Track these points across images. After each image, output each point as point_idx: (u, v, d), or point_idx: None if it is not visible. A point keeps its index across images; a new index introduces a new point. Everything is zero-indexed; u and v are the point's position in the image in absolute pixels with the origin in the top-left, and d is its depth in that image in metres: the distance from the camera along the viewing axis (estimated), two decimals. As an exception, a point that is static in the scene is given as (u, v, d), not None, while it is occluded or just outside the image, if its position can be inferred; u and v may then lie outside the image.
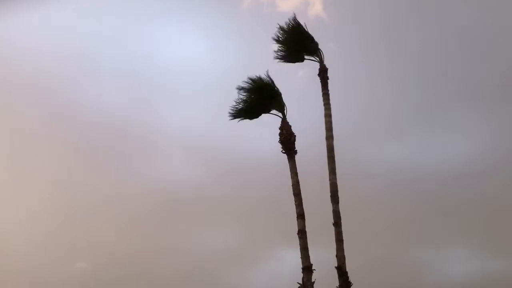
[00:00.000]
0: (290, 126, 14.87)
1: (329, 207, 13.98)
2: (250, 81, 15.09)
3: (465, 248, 22.72)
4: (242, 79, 15.34)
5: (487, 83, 24.06)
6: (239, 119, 15.28)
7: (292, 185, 14.20)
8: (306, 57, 15.64)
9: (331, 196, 13.93)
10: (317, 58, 15.33)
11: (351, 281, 13.35)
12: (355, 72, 22.55)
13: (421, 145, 23.81)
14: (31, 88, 23.39)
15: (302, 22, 15.33)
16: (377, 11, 24.77)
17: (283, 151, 14.62)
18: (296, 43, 15.36)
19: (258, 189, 20.81)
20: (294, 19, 15.25)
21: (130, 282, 20.43)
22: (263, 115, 15.32)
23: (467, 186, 22.58)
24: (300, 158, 14.59)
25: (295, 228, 13.96)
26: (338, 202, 13.90)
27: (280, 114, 15.10)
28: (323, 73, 15.14)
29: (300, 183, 14.25)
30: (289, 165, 14.41)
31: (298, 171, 14.42)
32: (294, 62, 15.78)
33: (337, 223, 13.71)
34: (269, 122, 15.51)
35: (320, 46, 15.34)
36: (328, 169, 14.18)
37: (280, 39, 15.51)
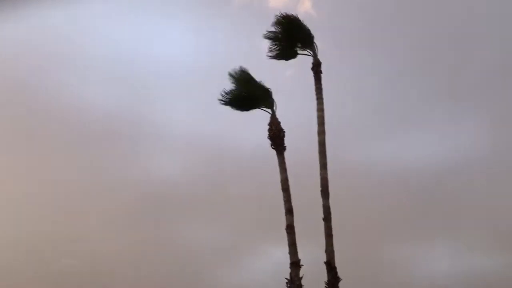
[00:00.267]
0: (279, 123, 14.83)
1: (320, 202, 13.97)
2: (239, 75, 14.95)
3: (452, 244, 22.87)
4: (228, 72, 15.28)
5: (472, 82, 24.21)
6: (229, 107, 15.17)
7: (281, 181, 14.16)
8: (299, 51, 15.50)
9: (321, 191, 13.87)
10: (311, 52, 15.21)
11: (340, 276, 13.32)
12: (343, 69, 22.50)
13: (409, 142, 23.87)
14: (15, 86, 23.10)
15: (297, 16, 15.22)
16: (366, 8, 24.72)
17: (272, 146, 14.58)
18: (291, 36, 15.19)
19: (246, 186, 20.77)
20: (290, 13, 15.12)
21: (116, 279, 20.33)
22: (252, 110, 15.23)
23: (453, 183, 22.72)
24: (290, 153, 14.59)
25: (283, 223, 13.94)
26: (328, 197, 13.85)
27: (269, 110, 15.04)
28: (316, 67, 15.03)
29: (291, 178, 14.26)
30: (278, 161, 14.38)
31: (288, 166, 14.41)
32: (287, 59, 15.61)
33: (327, 218, 13.67)
34: (257, 118, 15.47)
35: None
36: (319, 164, 14.13)
37: (273, 34, 15.32)
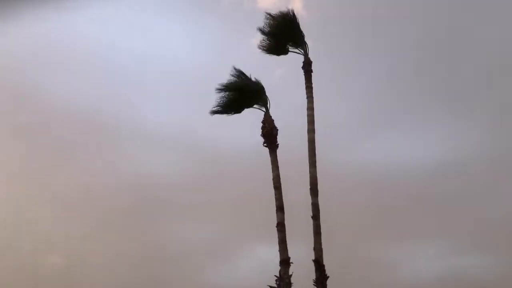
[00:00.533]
0: (273, 120, 14.83)
1: (309, 200, 14.01)
2: (233, 76, 14.94)
3: (441, 245, 23.05)
4: (221, 74, 15.27)
5: (466, 82, 24.44)
6: (222, 114, 15.17)
7: (273, 178, 14.17)
8: (290, 49, 15.54)
9: (310, 189, 13.93)
10: (302, 51, 15.27)
11: (328, 274, 13.37)
12: (333, 69, 22.62)
13: (399, 142, 24.08)
14: (9, 86, 22.91)
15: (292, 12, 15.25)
16: (357, 8, 24.86)
17: (265, 144, 14.59)
18: (283, 33, 15.23)
19: (236, 183, 20.77)
20: (286, 10, 15.16)
21: (104, 277, 20.21)
22: (246, 109, 15.22)
23: (443, 184, 22.91)
24: (281, 152, 14.60)
25: (273, 221, 13.98)
26: (317, 195, 13.90)
27: (263, 108, 15.04)
28: (307, 66, 15.10)
29: (282, 177, 14.22)
30: (271, 159, 14.38)
31: (279, 164, 14.36)
32: (278, 54, 15.62)
33: (316, 216, 13.72)
34: (249, 116, 15.47)
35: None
36: (309, 162, 14.19)
37: (266, 29, 15.37)
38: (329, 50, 22.43)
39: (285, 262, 13.32)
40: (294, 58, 15.53)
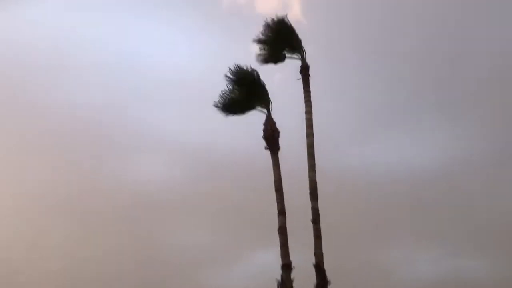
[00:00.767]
0: (275, 123, 14.77)
1: (308, 204, 13.97)
2: (238, 73, 14.94)
3: (440, 247, 23.08)
4: (220, 80, 15.29)
5: (460, 88, 24.63)
6: (225, 114, 15.11)
7: (274, 182, 14.08)
8: (288, 55, 15.59)
9: (310, 193, 13.89)
10: (299, 56, 15.31)
11: (329, 279, 13.30)
12: (331, 75, 22.74)
13: (396, 146, 24.20)
14: (12, 87, 22.94)
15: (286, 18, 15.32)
16: (356, 14, 25.07)
17: (267, 147, 14.51)
18: (279, 40, 15.29)
19: (235, 187, 20.74)
20: (279, 16, 15.23)
21: (101, 282, 20.08)
22: (248, 112, 15.18)
23: (441, 187, 23.01)
24: (281, 155, 14.53)
25: (274, 225, 13.93)
26: (317, 199, 13.86)
27: (265, 110, 14.99)
28: (305, 71, 15.13)
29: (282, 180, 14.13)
30: (272, 162, 14.29)
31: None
32: (275, 62, 15.67)
33: (316, 220, 13.67)
34: (249, 119, 15.44)
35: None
36: (308, 166, 14.15)
37: (262, 39, 15.42)
38: (328, 55, 22.57)
39: (286, 266, 13.23)
40: (294, 62, 15.60)
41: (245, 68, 15.09)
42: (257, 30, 15.45)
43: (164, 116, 23.77)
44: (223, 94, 15.03)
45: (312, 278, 13.26)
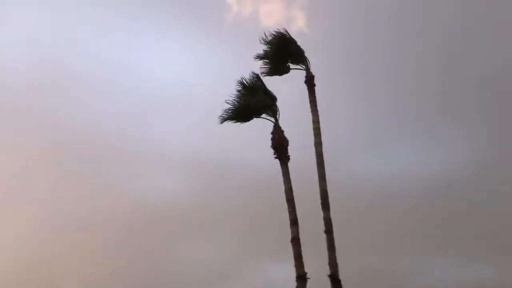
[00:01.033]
0: (283, 131, 14.69)
1: (320, 214, 13.86)
2: (245, 81, 14.99)
3: (454, 256, 22.82)
4: (227, 93, 15.35)
5: (462, 95, 24.62)
6: (230, 121, 15.09)
7: (285, 191, 13.97)
8: (292, 66, 15.64)
9: (321, 203, 13.78)
10: (303, 66, 15.33)
11: (345, 289, 13.13)
12: (335, 85, 22.79)
13: (406, 157, 24.09)
14: (19, 99, 23.13)
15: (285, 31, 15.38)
16: (359, 26, 25.21)
17: (276, 156, 14.41)
18: (281, 52, 15.34)
19: (247, 199, 20.66)
20: (279, 29, 15.30)
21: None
22: (254, 120, 15.13)
23: (453, 195, 22.83)
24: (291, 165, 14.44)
25: (286, 236, 13.81)
26: (329, 209, 13.74)
27: (272, 119, 14.94)
28: (310, 81, 15.14)
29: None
30: (282, 171, 14.17)
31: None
32: (280, 74, 15.71)
33: (329, 230, 13.54)
34: (256, 133, 15.43)
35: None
36: (318, 175, 14.06)
37: (264, 54, 15.49)
38: (333, 66, 22.65)
39: (301, 277, 13.07)
40: (300, 74, 15.63)
41: (252, 76, 15.10)
42: (261, 45, 15.56)
43: (171, 129, 23.89)
44: (229, 101, 15.03)
45: (329, 289, 13.07)
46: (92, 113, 24.06)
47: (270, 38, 15.30)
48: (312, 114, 14.88)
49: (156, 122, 24.31)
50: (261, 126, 15.02)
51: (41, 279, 20.55)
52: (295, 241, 13.48)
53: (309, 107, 15.03)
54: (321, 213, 13.82)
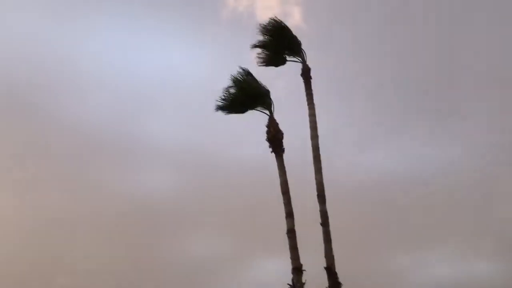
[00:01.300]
0: (277, 124, 14.65)
1: (315, 207, 13.83)
2: (239, 74, 14.92)
3: (449, 251, 22.89)
4: (221, 88, 15.27)
5: (454, 96, 24.70)
6: (225, 112, 15.02)
7: (280, 184, 13.94)
8: (288, 58, 15.56)
9: (318, 195, 13.74)
10: (300, 59, 15.26)
11: (341, 281, 13.10)
12: (331, 80, 22.75)
13: (401, 150, 24.10)
14: (12, 99, 23.00)
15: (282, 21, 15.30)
16: (356, 21, 25.18)
17: (271, 149, 14.37)
18: (278, 43, 15.26)
19: (242, 193, 20.60)
20: (276, 18, 15.23)
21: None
22: (249, 113, 15.08)
23: (449, 192, 22.88)
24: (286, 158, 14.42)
25: (281, 229, 13.76)
26: (325, 202, 13.71)
27: (266, 112, 14.87)
28: (306, 73, 15.07)
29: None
30: (277, 164, 14.15)
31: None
32: (276, 65, 15.64)
33: (325, 223, 13.50)
34: (252, 125, 15.38)
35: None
36: (314, 168, 14.01)
37: (261, 43, 15.41)
38: (329, 61, 22.61)
39: (297, 270, 13.03)
40: (295, 68, 15.57)
41: (246, 70, 15.04)
42: (257, 37, 15.48)
43: (167, 125, 23.77)
44: (224, 94, 14.97)
45: (324, 281, 13.07)
46: (83, 110, 23.93)
47: (267, 27, 15.20)
48: (308, 107, 14.82)
49: (148, 117, 24.23)
50: (256, 119, 15.02)
51: (34, 273, 20.44)
52: (291, 234, 13.44)
53: (305, 100, 15.00)
54: (317, 206, 13.79)
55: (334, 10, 25.45)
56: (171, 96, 24.47)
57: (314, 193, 13.95)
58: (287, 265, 13.29)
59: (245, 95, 14.83)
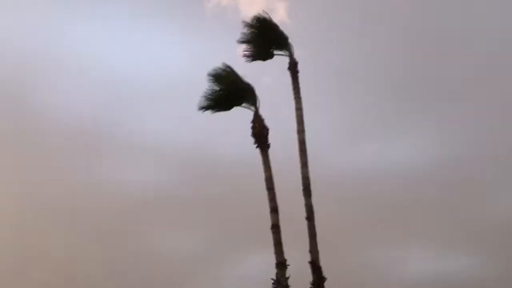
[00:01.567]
0: (263, 120, 14.58)
1: (301, 202, 13.79)
2: (221, 71, 14.78)
3: (431, 246, 23.09)
4: (206, 84, 15.08)
5: (448, 89, 24.83)
6: (210, 111, 14.91)
7: (265, 179, 13.88)
8: (275, 52, 15.45)
9: (303, 189, 13.70)
10: (287, 52, 15.16)
11: (325, 276, 13.09)
12: (317, 76, 22.73)
13: (387, 146, 24.21)
14: None
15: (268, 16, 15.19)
16: (340, 17, 25.17)
17: (256, 144, 14.31)
18: (264, 37, 15.15)
19: (227, 188, 20.53)
20: (263, 12, 15.11)
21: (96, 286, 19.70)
22: (234, 109, 14.98)
23: (431, 187, 23.06)
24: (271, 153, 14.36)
25: (266, 224, 13.70)
26: (310, 196, 13.68)
27: (252, 107, 14.79)
28: (293, 67, 14.98)
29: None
30: (262, 159, 14.09)
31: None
32: (263, 59, 15.53)
33: (310, 217, 13.47)
34: (238, 119, 15.27)
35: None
36: (300, 162, 13.97)
37: (247, 38, 15.28)
38: (314, 57, 22.57)
39: (281, 264, 12.99)
40: (280, 64, 15.45)
41: (228, 66, 14.89)
42: (242, 31, 15.32)
43: (152, 120, 23.58)
44: (206, 93, 14.83)
45: (308, 276, 13.06)
46: (70, 106, 23.60)
47: (253, 21, 15.08)
48: (295, 101, 14.74)
49: (134, 114, 24.00)
50: (241, 114, 14.92)
51: (9, 267, 20.17)
52: (275, 229, 13.39)
53: (292, 94, 14.92)
54: (301, 201, 13.77)
55: (319, 5, 25.41)
56: (156, 91, 24.29)
57: (300, 188, 13.92)
58: (272, 260, 13.27)
59: (229, 93, 14.78)
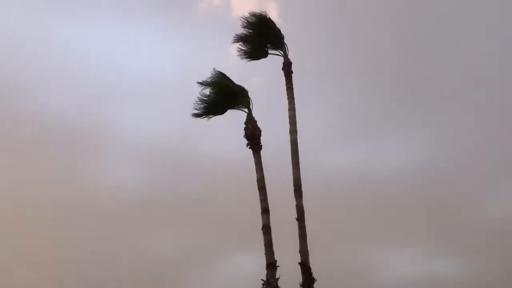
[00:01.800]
0: (256, 121, 14.61)
1: (292, 203, 13.78)
2: (214, 77, 14.76)
3: (421, 248, 23.19)
4: (197, 84, 15.05)
5: (443, 91, 24.92)
6: (204, 117, 14.92)
7: (257, 180, 13.90)
8: (270, 51, 15.41)
9: (294, 190, 13.70)
10: (282, 52, 15.13)
11: (315, 277, 13.09)
12: (309, 77, 22.73)
13: (379, 148, 24.28)
14: None
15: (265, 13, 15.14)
16: (331, 18, 25.18)
17: (249, 146, 14.33)
18: (260, 36, 15.11)
19: (219, 188, 20.47)
20: (260, 11, 15.07)
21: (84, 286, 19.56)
22: (228, 111, 14.99)
23: (423, 189, 23.16)
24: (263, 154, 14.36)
25: (257, 224, 13.69)
26: (301, 197, 13.68)
27: (245, 110, 14.81)
28: (287, 67, 14.95)
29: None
30: (254, 160, 14.12)
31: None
32: (258, 58, 15.50)
33: (301, 218, 13.48)
34: (230, 119, 15.24)
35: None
36: (292, 163, 13.97)
37: (243, 35, 15.22)
38: (306, 58, 22.55)
39: (271, 265, 12.99)
40: (273, 64, 15.40)
41: (220, 72, 14.88)
42: (235, 33, 15.27)
43: (142, 121, 23.45)
44: (199, 100, 14.84)
45: (298, 277, 13.06)
46: (57, 104, 23.40)
47: (250, 19, 15.02)
48: (288, 102, 14.73)
49: (124, 112, 23.85)
50: (234, 116, 14.94)
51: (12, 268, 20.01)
52: (266, 229, 13.39)
53: (285, 95, 14.90)
54: (292, 202, 13.76)
55: (312, 6, 25.39)
56: (147, 90, 24.16)
57: (292, 189, 13.90)
58: (262, 261, 13.25)
59: (222, 99, 14.74)
